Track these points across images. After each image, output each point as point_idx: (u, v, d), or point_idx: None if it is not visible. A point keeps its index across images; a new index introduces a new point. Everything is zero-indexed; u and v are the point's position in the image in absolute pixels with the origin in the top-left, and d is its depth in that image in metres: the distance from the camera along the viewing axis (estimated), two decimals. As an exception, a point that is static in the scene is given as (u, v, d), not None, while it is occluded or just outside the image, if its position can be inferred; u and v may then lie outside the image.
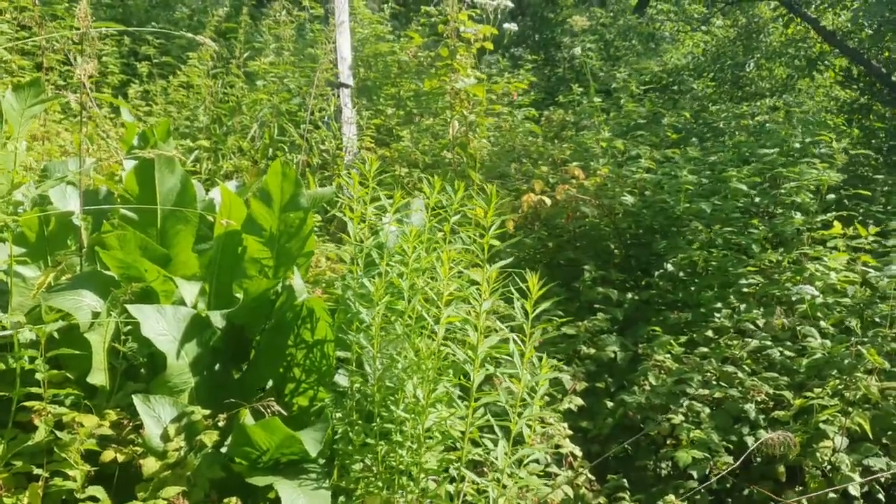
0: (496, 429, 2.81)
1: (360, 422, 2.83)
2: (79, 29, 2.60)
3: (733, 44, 11.21)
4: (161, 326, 2.57)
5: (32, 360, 2.37)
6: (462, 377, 2.78)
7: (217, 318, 2.63)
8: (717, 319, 4.27)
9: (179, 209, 2.96)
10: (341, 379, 3.03)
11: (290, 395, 2.99)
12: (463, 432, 2.71)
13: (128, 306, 2.53)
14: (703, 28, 12.25)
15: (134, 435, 2.56)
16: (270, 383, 2.91)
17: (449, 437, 2.75)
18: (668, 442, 3.80)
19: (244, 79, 5.40)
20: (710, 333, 4.20)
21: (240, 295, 3.06)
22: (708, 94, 10.21)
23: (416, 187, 5.58)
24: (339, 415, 2.98)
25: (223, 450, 2.55)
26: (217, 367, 2.82)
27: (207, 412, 2.53)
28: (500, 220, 2.76)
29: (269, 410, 2.41)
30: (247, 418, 2.44)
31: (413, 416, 2.72)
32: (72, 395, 2.45)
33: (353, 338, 2.87)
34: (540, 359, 2.73)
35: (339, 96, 6.06)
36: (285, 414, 2.42)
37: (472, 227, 3.40)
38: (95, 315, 2.65)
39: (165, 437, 2.48)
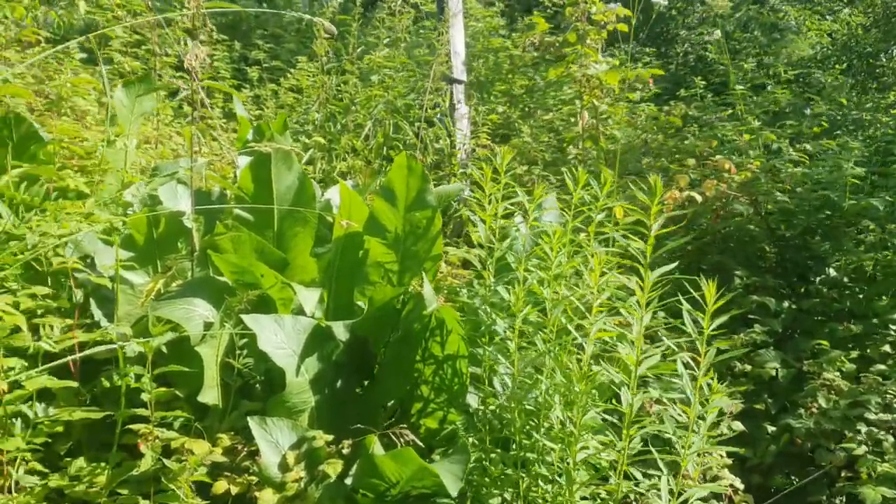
0: (659, 463, 2.40)
1: (497, 450, 2.47)
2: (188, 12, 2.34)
3: (868, 31, 10.35)
4: (279, 339, 2.29)
5: (139, 377, 2.12)
6: (613, 400, 2.39)
7: (340, 330, 2.32)
8: (894, 332, 3.70)
9: (298, 209, 2.67)
10: (471, 398, 2.68)
11: (418, 416, 2.66)
12: (615, 463, 2.31)
13: (243, 316, 2.25)
14: (830, 17, 11.41)
15: (249, 461, 2.27)
16: (395, 401, 2.59)
17: (600, 470, 2.36)
18: (843, 474, 3.27)
19: (358, 74, 5.15)
20: (887, 348, 3.64)
21: (361, 302, 2.76)
22: (840, 85, 9.37)
23: (537, 186, 5.20)
24: (471, 440, 2.64)
25: (347, 480, 2.24)
26: (339, 383, 2.52)
27: (330, 438, 2.22)
28: (659, 217, 2.35)
29: (401, 439, 2.08)
30: (375, 447, 2.12)
31: (561, 445, 2.35)
32: (181, 417, 2.19)
33: (489, 353, 2.52)
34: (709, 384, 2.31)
35: (452, 92, 5.74)
36: (421, 445, 2.08)
37: (614, 227, 3.00)
38: (208, 326, 2.39)
39: (284, 467, 2.18)
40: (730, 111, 6.33)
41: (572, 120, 5.22)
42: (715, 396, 2.27)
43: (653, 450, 2.36)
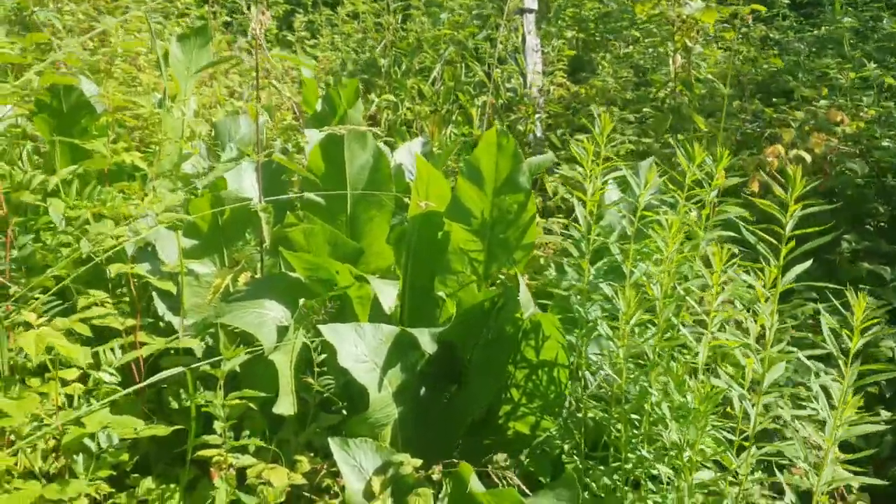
0: (786, 490, 2.15)
1: (601, 467, 2.24)
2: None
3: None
4: (360, 351, 2.05)
5: (208, 401, 1.91)
6: (729, 409, 2.13)
7: (426, 340, 2.07)
8: None
9: (373, 194, 2.40)
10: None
11: (506, 418, 2.43)
12: (737, 486, 2.07)
13: (321, 328, 2.02)
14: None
15: (330, 481, 2.08)
16: (484, 407, 2.36)
17: (717, 496, 2.12)
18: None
19: (424, 11, 4.76)
20: None
21: (442, 293, 2.50)
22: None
23: (617, 132, 4.81)
24: (566, 447, 2.41)
25: (437, 505, 2.03)
26: (423, 391, 2.29)
27: (418, 463, 2.01)
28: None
29: (504, 480, 1.85)
30: (472, 481, 1.89)
31: (676, 466, 2.10)
32: (255, 440, 1.99)
33: (586, 356, 2.26)
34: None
35: (523, 24, 5.31)
36: (527, 493, 1.84)
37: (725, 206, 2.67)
38: (281, 331, 2.16)
39: (369, 494, 1.98)
40: (815, 32, 5.78)
41: (659, 52, 4.78)
42: (848, 411, 1.99)
43: (781, 478, 2.10)
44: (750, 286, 2.09)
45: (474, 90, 4.58)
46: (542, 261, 3.25)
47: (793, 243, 1.94)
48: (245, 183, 2.64)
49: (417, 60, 4.42)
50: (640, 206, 2.24)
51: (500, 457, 1.91)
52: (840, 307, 1.98)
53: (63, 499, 1.62)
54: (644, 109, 4.85)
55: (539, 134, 4.88)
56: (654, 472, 2.20)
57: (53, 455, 1.83)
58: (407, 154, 3.26)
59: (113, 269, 1.94)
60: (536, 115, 4.68)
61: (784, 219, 1.99)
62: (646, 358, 2.26)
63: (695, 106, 4.01)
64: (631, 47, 5.41)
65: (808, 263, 2.02)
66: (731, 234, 2.41)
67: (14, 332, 1.89)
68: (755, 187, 3.43)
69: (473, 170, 2.39)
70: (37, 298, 1.86)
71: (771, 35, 6.19)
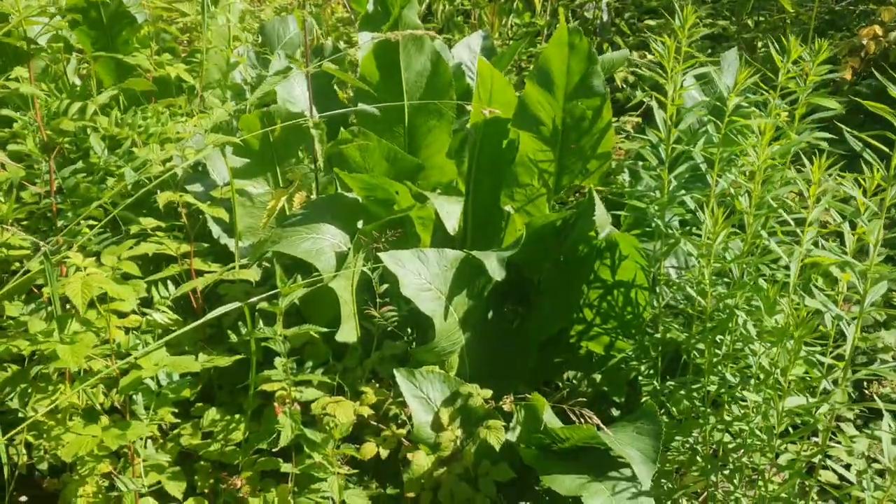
0: (888, 420, 1.99)
1: (680, 390, 2.11)
2: None
3: None
4: (423, 280, 1.93)
5: (269, 319, 1.82)
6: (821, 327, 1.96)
7: (494, 266, 1.93)
8: None
9: (432, 102, 2.21)
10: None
11: (578, 337, 2.31)
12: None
13: (381, 255, 1.89)
14: None
15: (396, 408, 2.00)
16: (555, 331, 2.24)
17: (813, 424, 1.98)
18: None
19: None
20: None
21: (509, 207, 2.34)
22: None
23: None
24: (643, 368, 2.28)
25: (508, 435, 1.93)
26: (490, 315, 2.18)
27: (488, 394, 1.91)
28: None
29: (581, 417, 1.73)
30: (546, 414, 1.79)
31: (764, 395, 1.96)
32: (319, 373, 1.91)
33: (674, 274, 2.10)
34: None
35: None
36: (602, 427, 1.73)
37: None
38: (340, 256, 2.05)
39: (437, 426, 1.90)
40: None
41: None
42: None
43: (878, 401, 1.95)
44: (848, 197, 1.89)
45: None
46: (613, 164, 3.04)
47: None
48: (295, 92, 2.48)
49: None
50: (729, 110, 2.02)
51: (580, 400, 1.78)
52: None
53: (124, 444, 1.57)
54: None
55: (606, 18, 4.55)
56: (739, 395, 2.07)
57: (114, 391, 1.79)
58: (466, 50, 3.03)
59: (161, 199, 1.83)
60: (603, 1, 4.35)
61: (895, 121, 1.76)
62: (731, 275, 2.09)
63: (781, -16, 3.63)
64: None
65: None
66: (828, 135, 2.17)
67: (65, 265, 1.82)
68: (848, 75, 3.12)
69: (543, 73, 2.18)
70: (85, 233, 1.77)
71: None
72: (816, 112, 2.15)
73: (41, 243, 1.58)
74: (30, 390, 1.84)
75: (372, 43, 2.22)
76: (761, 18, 4.06)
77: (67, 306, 1.73)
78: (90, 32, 2.51)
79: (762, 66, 2.20)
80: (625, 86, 3.92)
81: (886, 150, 1.75)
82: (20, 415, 1.83)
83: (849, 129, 1.92)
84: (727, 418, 2.07)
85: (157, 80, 2.49)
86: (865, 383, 2.64)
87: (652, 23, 4.45)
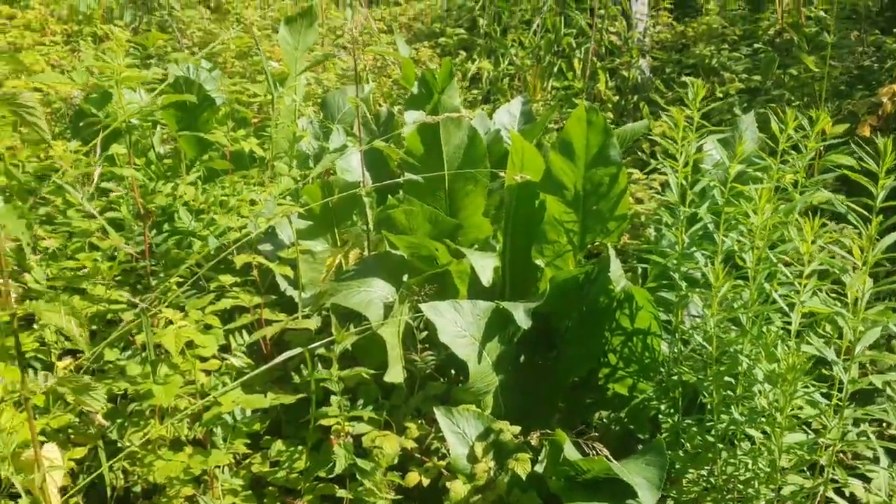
0: (880, 452, 2.19)
1: (694, 427, 2.34)
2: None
3: None
4: (459, 327, 2.22)
5: (326, 362, 2.13)
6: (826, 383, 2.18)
7: (521, 316, 2.21)
8: None
9: (469, 171, 2.52)
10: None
11: (605, 380, 2.56)
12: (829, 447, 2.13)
13: (422, 306, 2.19)
14: None
15: (437, 442, 2.28)
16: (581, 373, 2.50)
17: (809, 459, 2.18)
18: None
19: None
20: None
21: (539, 261, 2.62)
22: None
23: (725, 67, 4.68)
24: (663, 406, 2.51)
25: (537, 467, 2.19)
26: (522, 359, 2.45)
27: (517, 430, 2.18)
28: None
29: (594, 450, 1.99)
30: (567, 447, 2.04)
31: (767, 428, 2.18)
32: (370, 409, 2.20)
33: (688, 325, 2.34)
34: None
35: (627, -39, 5.18)
36: (611, 459, 1.98)
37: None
38: (388, 307, 2.35)
39: (472, 458, 2.17)
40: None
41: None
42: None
43: (870, 437, 2.15)
44: (843, 252, 2.11)
45: (576, 38, 4.56)
46: (642, 218, 3.30)
47: (881, 217, 1.94)
48: (352, 163, 2.82)
49: (517, 14, 4.43)
50: (731, 178, 2.27)
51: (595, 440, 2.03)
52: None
53: (206, 468, 1.89)
54: (755, 45, 4.69)
55: (645, 76, 4.82)
56: (748, 432, 2.28)
57: (197, 424, 2.11)
58: (507, 115, 3.35)
59: (238, 261, 2.17)
60: (642, 60, 4.62)
61: (875, 190, 2.00)
62: (739, 323, 2.32)
63: (803, 45, 3.86)
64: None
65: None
66: (830, 195, 2.40)
67: (157, 318, 2.17)
68: (866, 132, 3.32)
69: (565, 145, 2.47)
70: (174, 290, 2.12)
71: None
72: (831, 171, 2.39)
73: (138, 301, 1.92)
74: (126, 424, 2.18)
75: (416, 119, 2.55)
76: (794, 72, 4.27)
77: (159, 352, 2.06)
78: (175, 113, 2.91)
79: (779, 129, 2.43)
80: (663, 138, 4.17)
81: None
82: (118, 445, 2.16)
83: (836, 196, 2.16)
84: (739, 453, 2.28)
85: (233, 154, 2.87)
86: (885, 423, 2.80)
87: (689, 79, 4.70)
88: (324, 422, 2.14)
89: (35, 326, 2.32)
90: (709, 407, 2.34)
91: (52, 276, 2.36)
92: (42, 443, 1.73)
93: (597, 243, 2.57)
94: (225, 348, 2.26)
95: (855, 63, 4.07)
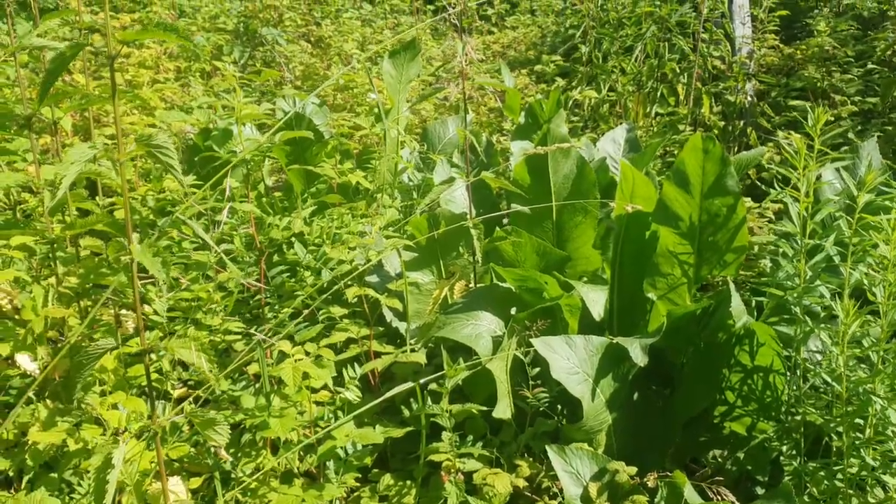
0: None
1: (821, 471, 2.21)
2: None
3: None
4: (571, 363, 2.16)
5: (436, 397, 2.11)
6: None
7: (637, 353, 2.14)
8: None
9: (578, 202, 2.48)
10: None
11: (721, 418, 2.45)
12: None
13: (534, 341, 2.15)
14: None
15: (548, 481, 2.22)
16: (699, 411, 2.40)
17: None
18: None
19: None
20: None
21: (652, 294, 2.54)
22: None
23: (836, 90, 4.49)
24: (784, 448, 2.39)
25: (652, 510, 2.11)
26: (636, 396, 2.37)
27: (633, 471, 2.10)
28: None
29: (717, 495, 1.89)
30: (687, 490, 1.95)
31: None
32: (479, 446, 2.16)
33: (814, 358, 2.22)
34: None
35: (730, -17, 5.05)
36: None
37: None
38: (496, 340, 2.32)
39: (586, 499, 2.10)
40: None
41: (885, 7, 4.38)
42: None
43: None
44: None
45: (679, 63, 4.46)
46: (756, 248, 3.17)
47: None
48: (456, 194, 2.82)
49: (619, 40, 4.38)
50: (859, 208, 2.15)
51: (718, 479, 1.94)
52: None
53: (320, 502, 1.89)
54: (869, 66, 4.49)
55: (751, 100, 4.67)
56: (882, 478, 2.14)
57: (309, 456, 2.12)
58: (611, 143, 3.29)
59: (349, 294, 2.18)
60: (748, 84, 4.48)
61: None
62: (869, 361, 2.19)
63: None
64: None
65: None
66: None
67: (271, 350, 2.19)
68: None
69: (680, 174, 2.40)
70: (287, 323, 2.14)
71: None
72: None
73: (256, 333, 1.95)
74: (239, 455, 2.21)
75: (523, 148, 2.52)
76: (913, 95, 4.06)
77: (273, 384, 2.09)
78: (285, 147, 2.97)
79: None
80: (771, 164, 4.02)
81: None
82: (232, 475, 2.19)
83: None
84: (871, 501, 2.14)
85: (340, 185, 2.91)
86: None
87: (797, 103, 4.53)
88: (434, 457, 2.11)
89: (153, 357, 2.39)
90: (835, 450, 2.22)
91: (169, 308, 2.43)
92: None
93: (713, 276, 2.48)
94: (335, 380, 2.27)
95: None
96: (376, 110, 3.11)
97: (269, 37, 4.56)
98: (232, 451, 2.24)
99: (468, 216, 2.47)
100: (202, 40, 4.86)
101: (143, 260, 1.21)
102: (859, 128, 4.29)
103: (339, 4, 6.28)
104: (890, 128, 4.13)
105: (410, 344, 2.46)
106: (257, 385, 2.24)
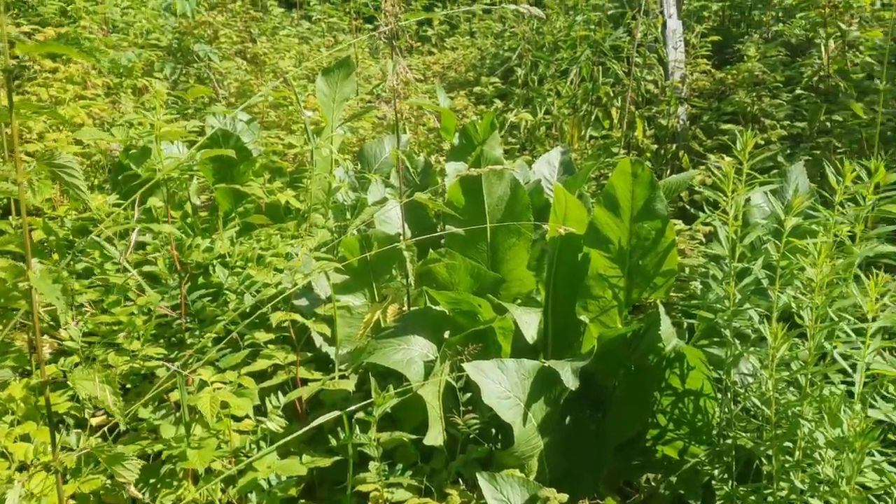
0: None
1: (752, 495, 2.21)
2: None
3: None
4: (503, 388, 2.13)
5: (364, 425, 2.05)
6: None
7: (568, 376, 2.11)
8: None
9: (511, 224, 2.46)
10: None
11: (654, 441, 2.44)
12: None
13: (465, 366, 2.11)
14: None
15: (479, 509, 2.18)
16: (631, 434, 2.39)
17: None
18: None
19: (560, 10, 4.72)
20: None
21: (584, 317, 2.53)
22: None
23: (766, 114, 4.60)
24: (716, 472, 2.39)
25: (584, 536, 2.08)
26: (567, 420, 2.34)
27: (565, 498, 2.06)
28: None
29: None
30: (615, 516, 1.93)
31: (832, 499, 2.04)
32: (409, 474, 2.11)
33: (743, 381, 2.23)
34: None
35: (663, 9, 5.15)
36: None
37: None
38: (428, 365, 2.28)
39: (517, 527, 2.06)
40: None
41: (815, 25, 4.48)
42: None
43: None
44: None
45: (613, 87, 4.51)
46: (687, 270, 3.20)
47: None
48: (391, 214, 2.77)
49: (554, 64, 4.40)
50: (786, 232, 2.17)
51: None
52: None
53: (241, 537, 1.80)
54: (797, 91, 4.60)
55: (683, 124, 4.75)
56: (811, 502, 2.15)
57: (231, 488, 2.03)
58: (546, 165, 3.28)
59: (274, 318, 2.11)
60: (680, 108, 4.55)
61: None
62: (798, 384, 2.20)
63: (851, 92, 3.77)
64: (781, 24, 5.12)
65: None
66: (890, 248, 2.30)
67: (193, 376, 2.10)
68: (922, 182, 3.19)
69: (610, 198, 2.40)
70: (209, 348, 2.06)
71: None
72: (889, 221, 2.29)
73: (174, 367, 1.86)
74: (159, 485, 2.11)
75: (458, 171, 2.49)
76: (839, 119, 4.18)
77: (193, 413, 2.00)
78: (212, 165, 2.89)
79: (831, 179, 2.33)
80: (702, 187, 4.08)
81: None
82: (150, 508, 2.09)
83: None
84: (800, 523, 2.14)
85: (269, 205, 2.83)
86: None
87: (728, 127, 4.62)
88: (361, 487, 2.05)
89: (69, 384, 2.28)
90: (765, 473, 2.22)
91: (87, 331, 2.32)
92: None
93: (643, 299, 2.48)
94: (259, 408, 2.19)
95: (901, 110, 3.97)
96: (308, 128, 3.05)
97: (202, 53, 4.46)
98: (152, 481, 2.14)
99: (402, 238, 2.43)
100: (133, 56, 4.73)
101: (40, 287, 1.13)
102: (788, 152, 4.38)
103: (277, 22, 6.21)
104: (817, 152, 4.23)
105: (340, 370, 2.39)
106: (178, 413, 2.15)
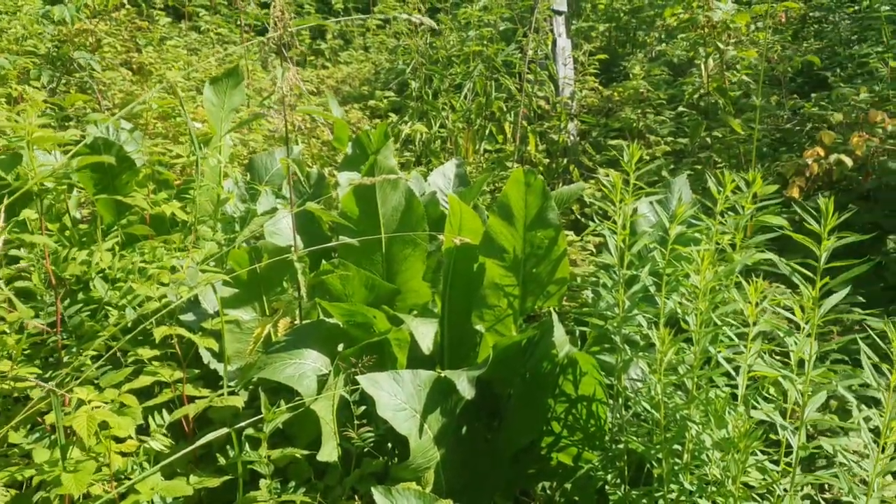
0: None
1: (643, 498, 2.25)
2: None
3: None
4: (399, 400, 2.09)
5: (254, 449, 1.97)
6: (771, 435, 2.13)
7: (464, 386, 2.10)
8: None
9: (406, 234, 2.44)
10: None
11: (548, 449, 2.46)
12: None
13: (359, 378, 2.06)
14: None
15: (375, 524, 2.13)
16: (526, 442, 2.39)
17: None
18: None
19: (454, 26, 4.77)
20: None
21: (480, 327, 2.53)
22: None
23: (651, 130, 4.77)
24: (609, 477, 2.43)
25: (481, 546, 2.07)
26: (464, 430, 2.33)
27: (461, 508, 2.05)
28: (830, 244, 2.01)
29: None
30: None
31: (719, 499, 2.11)
32: (302, 491, 2.04)
33: (635, 386, 2.28)
34: None
35: (553, 27, 5.28)
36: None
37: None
38: (322, 379, 2.22)
39: (414, 540, 2.02)
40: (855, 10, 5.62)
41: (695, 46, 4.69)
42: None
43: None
44: (787, 312, 2.09)
45: (506, 102, 4.58)
46: (579, 279, 3.26)
47: (827, 278, 1.92)
48: (281, 225, 2.70)
49: (448, 78, 4.43)
50: (671, 240, 2.24)
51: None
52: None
53: (121, 565, 1.70)
54: (679, 108, 4.80)
55: (573, 139, 4.87)
56: (699, 503, 2.21)
57: (112, 514, 1.92)
58: (441, 177, 3.29)
59: (157, 333, 2.01)
60: (570, 124, 4.66)
61: (818, 251, 1.98)
62: (685, 388, 2.27)
63: (729, 109, 3.95)
64: (664, 45, 5.33)
65: (844, 294, 2.01)
66: (768, 255, 2.40)
67: (69, 395, 1.98)
68: (795, 193, 3.38)
69: (504, 207, 2.42)
70: (88, 365, 1.94)
71: (810, 15, 6.06)
72: (766, 230, 2.39)
73: (48, 385, 1.74)
74: (31, 515, 1.97)
75: (351, 181, 2.46)
76: (719, 135, 4.37)
77: (70, 435, 1.87)
78: (93, 175, 2.75)
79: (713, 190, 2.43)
80: (592, 200, 4.19)
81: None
82: (21, 540, 1.95)
83: (780, 259, 2.15)
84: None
85: (154, 217, 2.71)
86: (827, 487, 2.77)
87: (616, 142, 4.77)
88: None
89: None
90: (656, 476, 2.27)
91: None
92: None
93: (537, 307, 2.50)
94: (143, 428, 2.08)
95: (776, 126, 4.19)
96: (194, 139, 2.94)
97: (83, 62, 4.26)
98: (25, 511, 2.00)
99: (293, 249, 2.37)
100: (7, 63, 4.47)
101: None
102: (672, 166, 4.56)
103: (164, 32, 6.01)
104: (699, 167, 4.42)
105: (230, 386, 2.31)
106: (54, 436, 2.02)
